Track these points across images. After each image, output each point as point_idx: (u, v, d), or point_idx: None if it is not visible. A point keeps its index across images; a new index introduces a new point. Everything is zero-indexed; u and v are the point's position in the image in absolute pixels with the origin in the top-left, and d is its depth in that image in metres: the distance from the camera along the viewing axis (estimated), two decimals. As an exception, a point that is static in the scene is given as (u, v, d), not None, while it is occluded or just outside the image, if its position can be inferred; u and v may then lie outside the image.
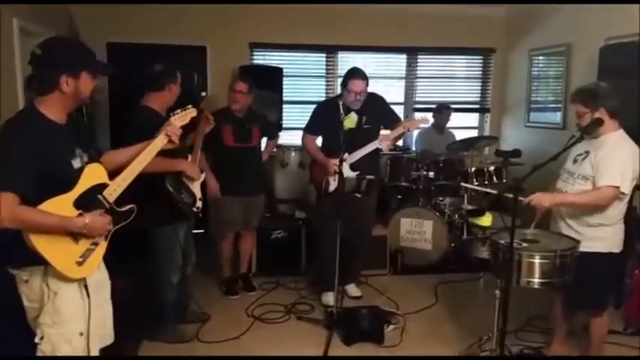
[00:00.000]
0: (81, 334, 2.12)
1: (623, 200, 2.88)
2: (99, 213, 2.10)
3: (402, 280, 4.78)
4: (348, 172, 3.84)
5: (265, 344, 3.55)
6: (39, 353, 2.08)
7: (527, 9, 6.08)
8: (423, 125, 4.18)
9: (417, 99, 6.73)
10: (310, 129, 4.17)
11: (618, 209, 2.90)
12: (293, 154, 5.48)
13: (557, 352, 3.30)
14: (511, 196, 2.65)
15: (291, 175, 5.50)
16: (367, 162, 3.95)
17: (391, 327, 3.72)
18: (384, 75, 6.60)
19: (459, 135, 6.03)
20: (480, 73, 6.86)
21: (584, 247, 2.83)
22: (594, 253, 2.88)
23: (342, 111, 3.74)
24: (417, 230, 5.02)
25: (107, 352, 2.39)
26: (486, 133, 6.80)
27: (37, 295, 2.07)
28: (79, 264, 2.07)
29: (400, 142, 6.06)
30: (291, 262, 4.78)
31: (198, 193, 3.39)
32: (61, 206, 1.99)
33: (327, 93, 6.43)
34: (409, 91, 6.71)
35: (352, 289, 4.36)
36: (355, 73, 3.91)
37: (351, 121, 3.76)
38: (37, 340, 2.08)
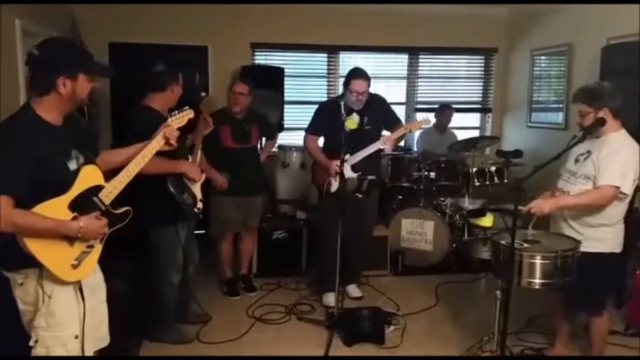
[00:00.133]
0: (76, 337, 2.10)
1: (624, 201, 2.88)
2: (94, 216, 2.08)
3: (402, 280, 4.78)
4: (349, 173, 3.84)
5: (266, 345, 3.55)
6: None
7: (529, 9, 6.07)
8: (424, 126, 4.17)
9: (419, 99, 6.73)
10: (312, 129, 4.17)
11: (619, 209, 2.90)
12: (294, 154, 5.49)
13: (560, 353, 3.29)
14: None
15: (292, 175, 5.50)
16: (368, 162, 3.94)
17: (392, 328, 3.72)
18: (386, 75, 6.59)
19: (461, 135, 6.03)
20: (482, 73, 6.86)
21: (586, 247, 2.82)
22: (595, 253, 2.87)
23: (343, 111, 3.74)
24: (418, 231, 5.02)
25: (107, 351, 2.39)
26: (488, 133, 6.80)
27: (31, 298, 2.05)
28: (74, 267, 2.06)
29: (402, 143, 6.05)
30: (292, 262, 4.78)
31: (198, 194, 3.40)
32: (56, 209, 1.97)
33: (328, 93, 6.43)
34: (411, 91, 6.71)
35: (353, 290, 4.35)
36: (357, 73, 3.91)
37: (353, 122, 3.76)
38: (31, 343, 2.07)
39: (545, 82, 6.04)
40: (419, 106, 6.71)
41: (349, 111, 3.85)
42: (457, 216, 5.23)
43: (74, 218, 2.01)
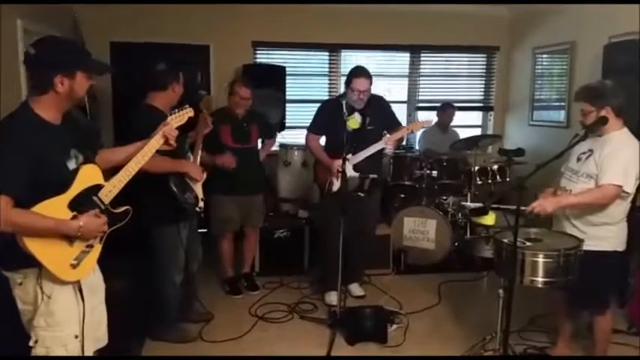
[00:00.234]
0: (76, 337, 2.10)
1: (627, 199, 2.87)
2: (94, 214, 2.07)
3: (405, 279, 4.77)
4: (351, 172, 3.83)
5: (268, 344, 3.55)
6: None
7: (531, 7, 6.06)
8: (426, 126, 4.17)
9: (421, 97, 6.73)
10: (314, 128, 4.17)
11: (622, 208, 2.89)
12: (296, 153, 5.48)
13: (562, 353, 3.29)
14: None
15: (294, 174, 5.50)
16: (370, 161, 3.94)
17: (394, 326, 3.72)
18: (388, 73, 6.59)
19: (463, 133, 6.02)
20: (484, 71, 6.85)
21: (589, 245, 2.82)
22: (599, 251, 2.86)
23: (345, 110, 3.73)
24: (420, 229, 5.01)
25: (109, 351, 2.39)
26: (490, 131, 6.80)
27: (31, 298, 2.04)
28: (74, 267, 2.05)
29: (404, 141, 6.06)
30: (295, 261, 4.78)
31: (200, 194, 3.40)
32: (55, 208, 1.97)
33: (330, 91, 6.43)
34: (412, 89, 6.70)
35: (355, 289, 4.35)
36: (359, 72, 3.90)
37: (355, 121, 3.77)
38: (31, 343, 2.06)
39: (547, 81, 6.03)
40: (420, 105, 6.71)
41: (351, 110, 3.85)
42: (459, 214, 5.23)
43: (74, 217, 2.01)
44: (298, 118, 6.12)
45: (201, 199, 3.41)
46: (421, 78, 6.70)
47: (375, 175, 3.97)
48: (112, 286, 2.48)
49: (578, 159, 3.00)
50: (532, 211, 2.83)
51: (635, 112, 3.51)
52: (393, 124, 4.11)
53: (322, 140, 4.22)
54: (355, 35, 6.20)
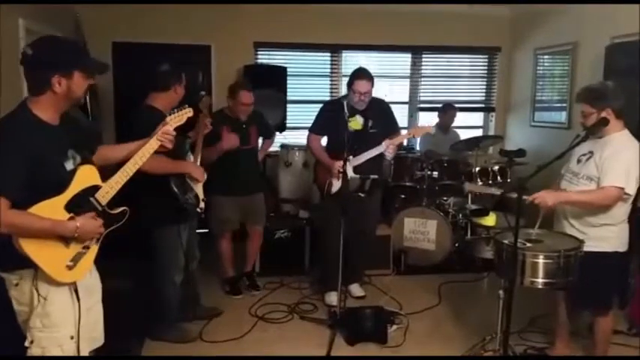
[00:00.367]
0: (71, 337, 2.09)
1: (628, 201, 2.87)
2: (90, 216, 2.06)
3: (405, 280, 4.77)
4: (351, 173, 3.83)
5: (268, 344, 3.56)
6: None
7: (532, 8, 6.06)
8: (428, 132, 4.17)
9: (422, 98, 6.73)
10: (315, 129, 4.17)
11: (623, 209, 2.89)
12: (297, 153, 5.49)
13: (561, 353, 3.28)
14: (515, 196, 2.65)
15: (295, 174, 5.50)
16: (371, 162, 3.94)
17: (394, 327, 3.72)
18: (389, 74, 6.59)
19: (464, 134, 6.02)
20: (485, 72, 6.85)
21: (590, 246, 2.82)
22: (600, 252, 2.86)
23: (346, 111, 3.74)
24: (420, 230, 5.01)
25: (109, 351, 2.40)
26: (491, 132, 6.80)
27: (27, 299, 2.04)
28: (70, 268, 2.04)
29: (404, 142, 6.06)
30: (295, 261, 4.78)
31: (201, 194, 3.41)
32: (52, 209, 1.96)
33: (331, 92, 6.43)
34: (414, 90, 6.70)
35: (355, 289, 4.35)
36: (361, 74, 3.90)
37: (356, 123, 3.78)
38: (27, 343, 2.06)
39: (548, 82, 6.02)
40: (422, 106, 6.72)
41: (352, 111, 3.85)
42: (460, 215, 5.23)
43: (70, 219, 2.00)
44: (299, 118, 6.12)
45: (203, 200, 3.41)
46: (422, 79, 6.70)
47: (376, 176, 3.97)
48: (112, 286, 2.48)
49: (579, 161, 3.00)
50: (532, 202, 2.83)
51: (636, 113, 3.50)
52: (393, 130, 4.11)
53: (324, 141, 4.22)
54: (357, 36, 6.20)
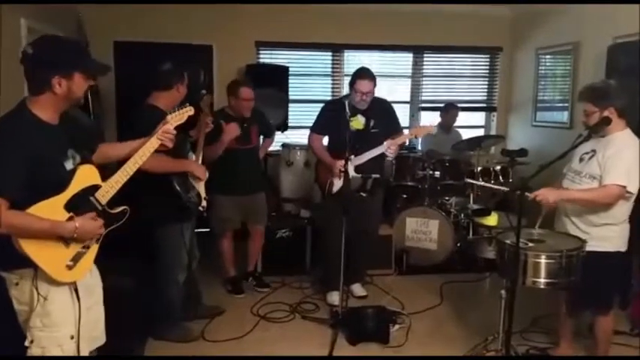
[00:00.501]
0: (72, 337, 2.09)
1: (630, 200, 2.86)
2: (90, 216, 2.05)
3: (407, 279, 4.77)
4: (352, 173, 3.83)
5: (270, 343, 3.56)
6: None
7: (534, 7, 6.05)
8: (430, 132, 4.17)
9: (423, 98, 6.72)
10: (316, 128, 4.17)
11: (624, 208, 2.89)
12: (299, 153, 5.49)
13: (564, 353, 3.28)
14: (518, 192, 2.65)
15: (296, 174, 5.51)
16: (372, 162, 3.93)
17: (396, 327, 3.72)
18: (391, 74, 6.58)
19: (466, 134, 6.02)
20: (487, 71, 6.84)
21: (592, 246, 2.82)
22: (601, 252, 2.86)
23: (348, 110, 3.73)
24: (422, 230, 5.01)
25: (111, 350, 2.40)
26: (493, 132, 6.78)
27: (27, 299, 2.03)
28: (69, 268, 2.03)
29: (406, 142, 6.06)
30: (296, 261, 4.78)
31: (203, 193, 3.41)
32: (51, 209, 1.95)
33: (333, 92, 6.43)
34: (415, 89, 6.70)
35: (357, 289, 4.36)
36: (363, 73, 3.90)
37: (358, 122, 3.78)
38: (27, 343, 2.05)
39: (550, 81, 6.01)
40: (423, 105, 6.71)
41: (354, 111, 3.85)
42: (462, 215, 5.22)
43: (70, 219, 1.99)
44: (301, 118, 6.11)
45: (205, 199, 3.42)
46: (424, 78, 6.69)
47: (378, 175, 3.97)
48: (115, 285, 2.48)
49: (581, 159, 3.00)
50: (534, 199, 2.82)
51: (635, 112, 3.50)
52: (395, 130, 4.11)
53: (325, 140, 4.22)
54: (358, 35, 6.20)
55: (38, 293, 2.01)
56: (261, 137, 4.47)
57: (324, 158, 4.07)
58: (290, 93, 5.87)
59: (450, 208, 5.28)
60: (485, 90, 6.87)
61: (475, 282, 4.71)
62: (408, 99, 6.68)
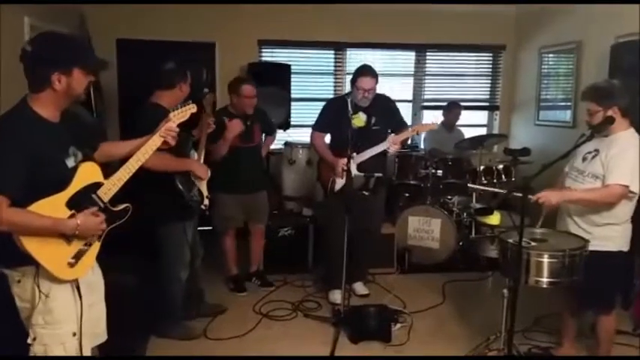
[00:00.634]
0: (74, 334, 2.08)
1: (633, 199, 2.86)
2: (91, 213, 2.05)
3: (409, 278, 4.77)
4: (355, 171, 3.83)
5: (272, 341, 3.56)
6: (31, 354, 2.06)
7: (537, 6, 6.04)
8: (432, 129, 4.17)
9: (426, 96, 6.71)
10: (318, 126, 4.17)
11: (627, 208, 2.88)
12: (301, 151, 5.49)
13: (567, 353, 3.28)
14: (520, 194, 2.64)
15: (298, 172, 5.51)
16: (375, 160, 3.93)
17: (398, 325, 3.72)
18: (393, 72, 6.57)
19: (468, 133, 6.01)
20: (490, 70, 6.83)
21: (594, 245, 2.81)
22: (604, 251, 2.86)
23: (350, 108, 3.73)
24: (424, 229, 5.01)
25: (113, 347, 2.40)
26: (495, 131, 6.77)
27: (29, 296, 2.03)
28: (71, 265, 2.03)
29: (409, 140, 6.05)
30: (299, 259, 4.78)
31: (205, 191, 3.42)
32: (53, 207, 1.94)
33: (335, 90, 6.43)
34: (418, 88, 6.69)
35: (359, 287, 4.36)
36: (365, 71, 3.90)
37: (359, 120, 3.77)
38: (29, 340, 2.05)
39: (553, 80, 6.00)
40: (426, 104, 6.70)
41: (356, 108, 3.84)
42: (464, 214, 5.22)
43: (71, 216, 1.99)
44: (303, 116, 6.11)
45: (207, 197, 3.42)
46: (427, 77, 6.68)
47: (380, 174, 3.97)
48: (117, 283, 2.48)
49: (584, 159, 2.99)
50: (537, 202, 2.82)
51: (637, 112, 3.49)
52: (399, 125, 4.10)
53: (327, 138, 4.22)
54: (361, 34, 6.19)
55: (40, 291, 2.01)
56: (264, 135, 4.47)
57: (327, 156, 4.06)
58: (292, 91, 5.86)
59: (452, 206, 5.28)
60: (488, 89, 6.86)
61: (477, 281, 4.71)
62: (410, 98, 6.67)
